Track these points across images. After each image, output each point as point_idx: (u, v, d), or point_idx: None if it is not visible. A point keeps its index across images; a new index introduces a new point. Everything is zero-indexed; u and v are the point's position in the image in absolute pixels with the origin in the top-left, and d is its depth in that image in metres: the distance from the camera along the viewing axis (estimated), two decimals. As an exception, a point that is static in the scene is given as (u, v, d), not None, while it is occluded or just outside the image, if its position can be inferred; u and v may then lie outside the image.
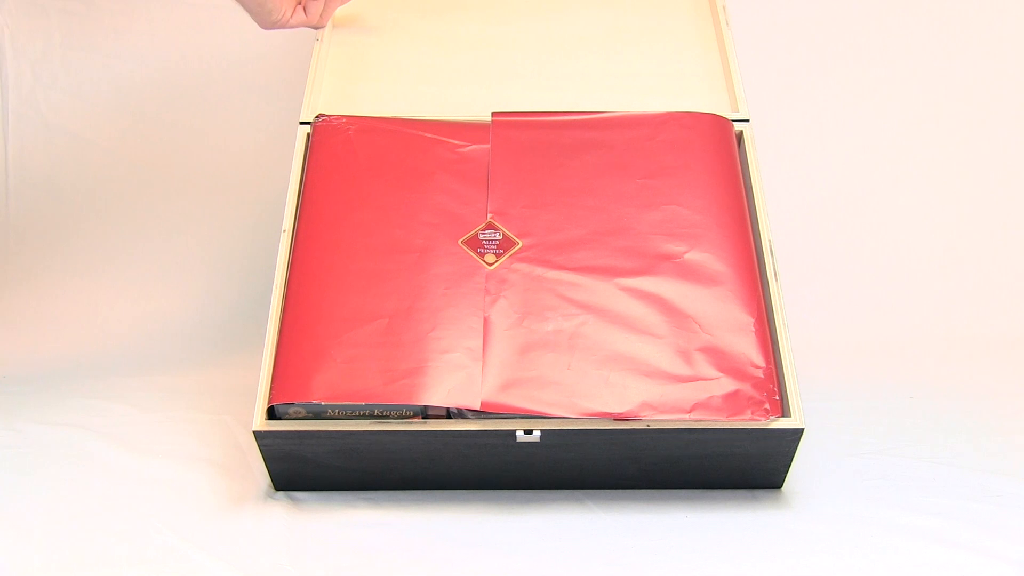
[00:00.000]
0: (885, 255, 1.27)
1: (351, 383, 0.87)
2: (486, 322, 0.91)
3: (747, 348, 0.90)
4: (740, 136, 1.05)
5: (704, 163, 1.01)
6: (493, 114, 1.04)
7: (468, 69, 1.12)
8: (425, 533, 0.88)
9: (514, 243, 0.96)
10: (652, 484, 0.93)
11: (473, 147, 1.02)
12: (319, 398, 0.87)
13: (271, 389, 0.88)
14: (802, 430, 0.87)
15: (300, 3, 1.09)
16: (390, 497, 0.92)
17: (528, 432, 0.87)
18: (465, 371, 0.88)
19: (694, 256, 0.95)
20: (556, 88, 1.10)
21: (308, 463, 0.91)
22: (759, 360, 0.89)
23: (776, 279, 0.95)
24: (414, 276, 0.93)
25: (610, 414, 0.86)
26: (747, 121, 1.06)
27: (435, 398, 0.87)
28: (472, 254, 0.95)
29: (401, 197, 0.98)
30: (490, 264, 0.94)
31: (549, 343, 0.90)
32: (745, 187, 1.02)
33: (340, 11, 1.16)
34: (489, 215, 0.97)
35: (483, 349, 0.89)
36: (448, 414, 0.88)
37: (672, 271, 0.94)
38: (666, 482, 0.93)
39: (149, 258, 1.25)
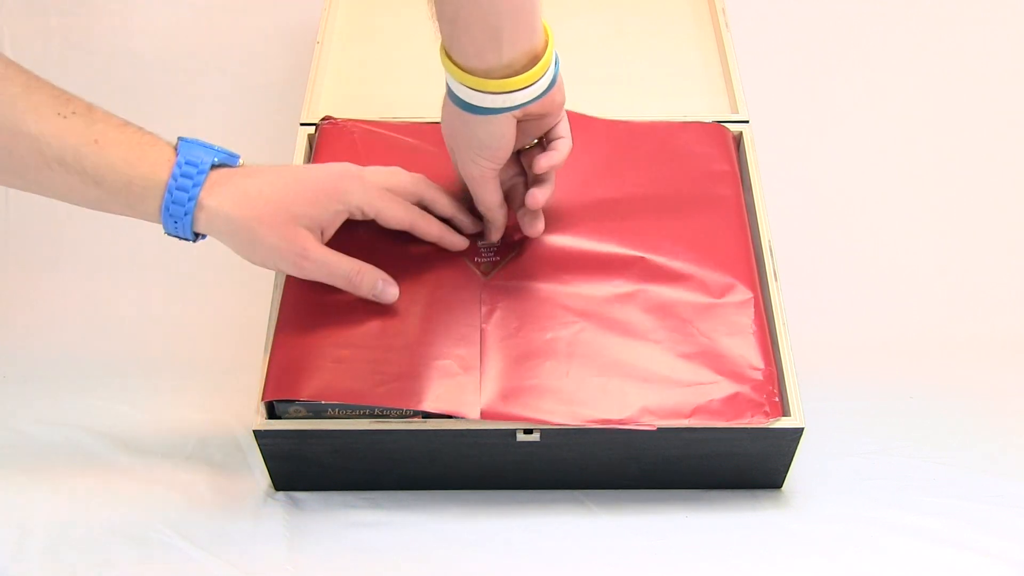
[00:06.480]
0: (885, 255, 1.27)
1: (343, 383, 0.87)
2: (483, 332, 0.90)
3: (746, 351, 0.90)
4: (740, 137, 1.05)
5: (703, 168, 1.01)
6: (493, 115, 1.04)
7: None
8: (425, 533, 0.88)
9: (510, 250, 0.95)
10: (652, 484, 0.93)
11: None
12: (308, 396, 0.86)
13: (264, 386, 0.88)
14: (802, 430, 0.87)
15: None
16: (390, 497, 0.92)
17: (528, 432, 0.87)
18: (456, 379, 0.87)
19: (693, 260, 0.94)
20: (556, 89, 1.10)
21: (308, 463, 0.91)
22: (758, 362, 0.89)
23: (776, 279, 0.95)
24: (410, 281, 0.93)
25: (610, 421, 0.86)
26: (747, 122, 1.06)
27: (425, 403, 0.86)
28: (468, 263, 0.95)
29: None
30: (486, 273, 0.94)
31: (547, 351, 0.89)
32: (745, 188, 1.02)
33: (342, 14, 1.16)
34: (488, 219, 0.97)
35: (480, 358, 0.89)
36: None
37: (670, 275, 0.94)
38: (666, 482, 0.93)
39: (149, 258, 1.25)
